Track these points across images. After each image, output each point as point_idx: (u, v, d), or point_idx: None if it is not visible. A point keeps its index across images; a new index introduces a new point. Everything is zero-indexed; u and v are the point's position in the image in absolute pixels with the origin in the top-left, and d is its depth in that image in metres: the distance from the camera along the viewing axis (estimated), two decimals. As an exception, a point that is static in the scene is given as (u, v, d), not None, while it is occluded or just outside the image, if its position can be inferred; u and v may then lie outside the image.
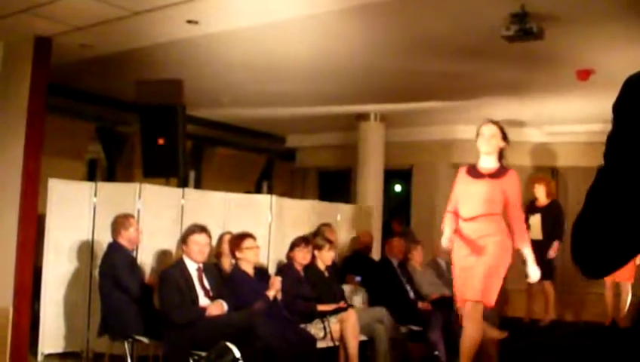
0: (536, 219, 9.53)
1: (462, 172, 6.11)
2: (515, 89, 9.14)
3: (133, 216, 6.95)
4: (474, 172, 5.99)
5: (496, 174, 5.90)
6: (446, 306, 7.94)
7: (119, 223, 6.74)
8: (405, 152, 12.18)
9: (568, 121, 10.91)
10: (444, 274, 8.81)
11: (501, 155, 6.00)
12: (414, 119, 11.60)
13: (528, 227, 9.41)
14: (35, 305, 7.29)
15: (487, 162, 5.97)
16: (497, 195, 5.83)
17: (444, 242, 5.93)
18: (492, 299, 5.76)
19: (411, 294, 8.12)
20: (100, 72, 8.83)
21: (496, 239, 5.79)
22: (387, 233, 10.11)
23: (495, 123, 6.03)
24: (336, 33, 7.32)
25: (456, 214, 6.04)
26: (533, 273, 5.98)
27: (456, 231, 5.97)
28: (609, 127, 1.50)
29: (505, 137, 5.99)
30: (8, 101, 7.45)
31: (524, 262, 6.04)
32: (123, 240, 6.71)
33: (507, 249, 5.84)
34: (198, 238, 6.41)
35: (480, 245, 5.79)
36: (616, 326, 9.31)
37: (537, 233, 9.38)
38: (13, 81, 7.45)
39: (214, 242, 7.14)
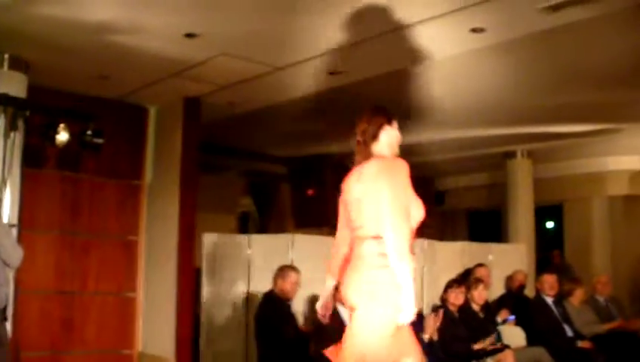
0: None
1: None
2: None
3: (293, 269, 6.88)
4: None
5: None
6: (608, 344, 7.65)
7: (278, 274, 6.78)
8: (555, 188, 11.91)
9: None
10: (603, 312, 8.47)
11: None
12: (563, 153, 11.34)
13: None
14: (195, 355, 7.51)
15: None
16: None
17: None
18: None
19: (569, 332, 7.83)
20: (246, 127, 9.09)
21: None
22: (542, 269, 9.82)
23: None
24: (481, 72, 7.26)
25: None
26: None
27: None
28: None
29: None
30: (163, 161, 7.83)
31: None
32: (279, 291, 6.80)
33: None
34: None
35: None
36: None
37: None
38: (167, 142, 7.82)
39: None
